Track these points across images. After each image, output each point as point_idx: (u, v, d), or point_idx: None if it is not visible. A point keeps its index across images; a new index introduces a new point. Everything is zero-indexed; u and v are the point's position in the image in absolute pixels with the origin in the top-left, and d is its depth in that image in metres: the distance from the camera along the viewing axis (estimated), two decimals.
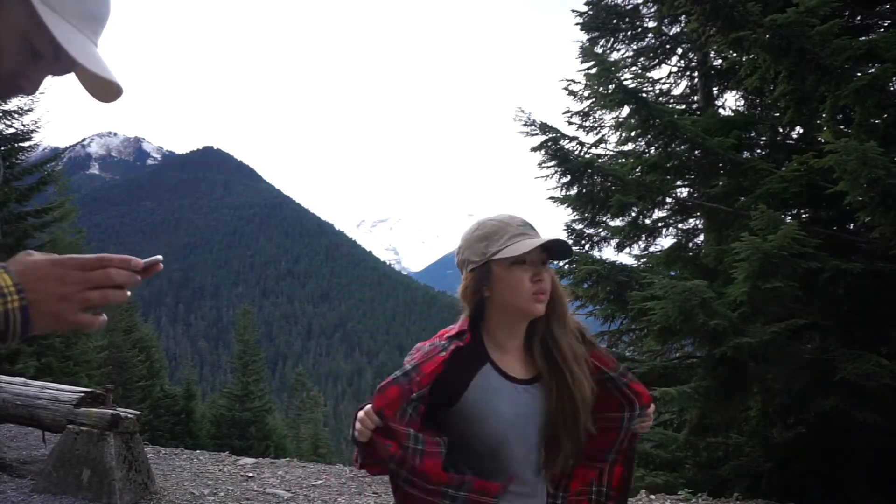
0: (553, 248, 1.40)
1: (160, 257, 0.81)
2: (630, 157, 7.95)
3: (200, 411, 26.24)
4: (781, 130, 6.61)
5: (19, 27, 0.78)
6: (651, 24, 8.41)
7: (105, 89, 0.87)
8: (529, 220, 1.45)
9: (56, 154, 16.98)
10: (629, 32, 8.42)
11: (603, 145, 8.64)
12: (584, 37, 8.39)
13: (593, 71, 6.82)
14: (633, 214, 7.44)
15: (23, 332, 0.74)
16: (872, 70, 4.51)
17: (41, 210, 14.03)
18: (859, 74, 4.55)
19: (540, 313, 1.39)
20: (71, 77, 0.85)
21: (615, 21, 8.36)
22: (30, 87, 0.85)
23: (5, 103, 13.15)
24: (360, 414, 1.33)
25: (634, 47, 8.56)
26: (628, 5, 8.52)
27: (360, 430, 1.31)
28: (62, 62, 0.83)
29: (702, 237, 7.85)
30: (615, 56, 8.50)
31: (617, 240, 7.95)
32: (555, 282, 1.43)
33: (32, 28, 0.78)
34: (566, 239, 1.47)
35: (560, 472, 1.44)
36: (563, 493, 1.48)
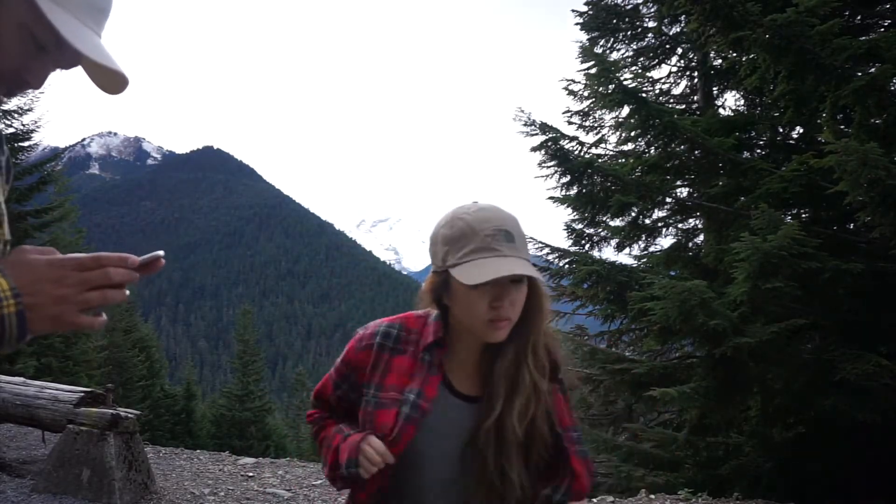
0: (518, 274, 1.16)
1: (161, 253, 0.78)
2: (630, 157, 7.95)
3: (200, 411, 26.25)
4: (781, 130, 6.61)
5: (21, 21, 0.77)
6: (651, 24, 8.41)
7: (111, 80, 0.85)
8: (516, 221, 1.22)
9: (56, 154, 17.01)
10: (629, 32, 8.42)
11: (603, 145, 8.64)
12: (584, 37, 8.39)
13: (593, 71, 6.82)
14: (633, 214, 7.43)
15: (19, 336, 0.71)
16: (872, 70, 4.51)
17: (41, 210, 14.04)
18: (859, 74, 4.54)
19: (497, 340, 1.21)
20: (74, 73, 0.85)
21: (615, 21, 8.35)
22: (35, 82, 0.83)
23: (6, 103, 13.16)
24: (367, 448, 1.20)
25: (634, 47, 8.55)
26: (628, 5, 8.52)
27: (367, 467, 1.20)
28: (67, 55, 0.81)
29: (702, 237, 7.85)
30: (615, 56, 8.50)
31: (617, 240, 7.95)
32: (532, 305, 1.23)
33: (35, 21, 0.77)
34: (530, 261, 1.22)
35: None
36: None
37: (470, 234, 1.18)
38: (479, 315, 1.19)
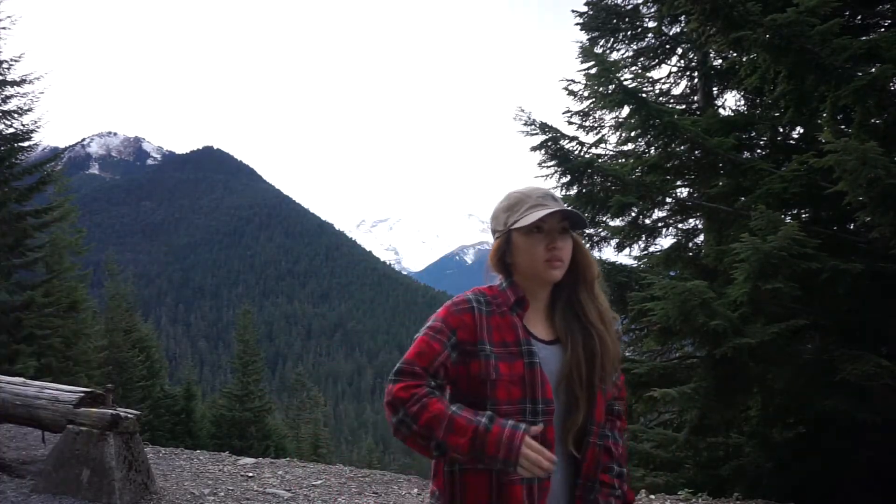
0: (570, 217, 1.50)
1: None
2: (630, 157, 7.95)
3: (200, 411, 26.22)
4: (781, 130, 6.61)
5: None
6: (651, 24, 8.40)
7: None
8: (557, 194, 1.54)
9: (56, 154, 17.00)
10: (629, 32, 8.42)
11: (603, 145, 8.63)
12: (584, 37, 8.39)
13: (593, 71, 6.82)
14: (633, 214, 7.43)
15: None
16: (872, 70, 4.51)
17: (41, 210, 14.02)
18: (859, 74, 4.54)
19: (555, 279, 1.50)
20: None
21: (615, 21, 8.35)
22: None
23: (5, 104, 13.16)
24: (529, 453, 1.33)
25: (634, 47, 8.55)
26: (628, 5, 8.51)
27: (532, 470, 1.33)
28: None
29: (702, 237, 7.84)
30: (615, 56, 8.50)
31: (617, 240, 7.94)
32: (580, 251, 1.54)
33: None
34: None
35: (574, 431, 1.47)
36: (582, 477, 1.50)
37: (524, 199, 1.52)
38: (539, 257, 1.48)
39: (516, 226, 1.49)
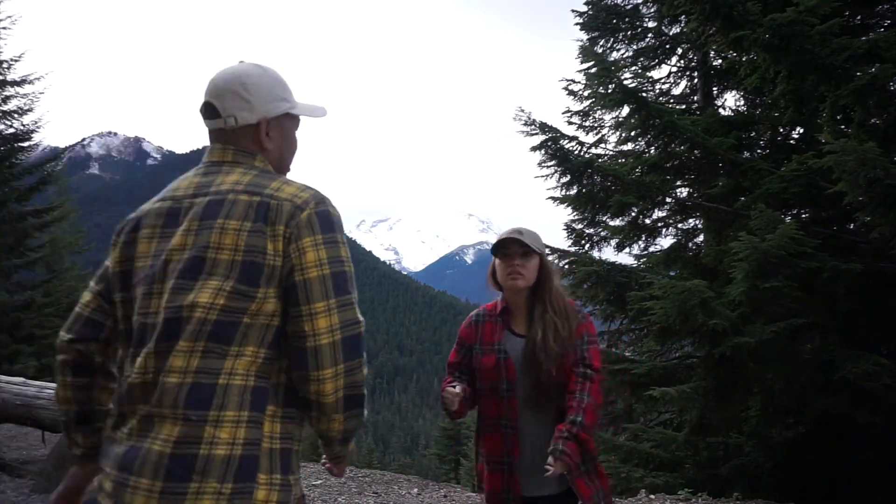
0: (519, 243, 2.21)
1: None
2: (630, 157, 7.95)
3: None
4: (781, 130, 6.61)
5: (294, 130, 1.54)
6: (651, 24, 8.40)
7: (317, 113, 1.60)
8: (531, 230, 2.26)
9: (56, 154, 16.98)
10: (629, 32, 8.42)
11: (603, 145, 8.64)
12: (584, 37, 8.39)
13: (593, 71, 6.82)
14: (633, 214, 7.44)
15: None
16: (872, 70, 4.51)
17: (41, 210, 14.01)
18: (859, 74, 4.54)
19: (515, 289, 2.23)
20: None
21: (615, 21, 8.35)
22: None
23: (5, 104, 13.16)
24: (444, 394, 2.14)
25: (634, 47, 8.55)
26: (628, 5, 8.52)
27: (447, 403, 2.14)
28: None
29: (702, 237, 7.85)
30: (615, 56, 8.50)
31: (617, 240, 7.95)
32: (541, 268, 2.25)
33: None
34: (523, 233, 2.24)
35: (536, 395, 2.16)
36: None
37: (500, 236, 2.29)
38: (504, 273, 2.23)
39: (494, 255, 2.28)
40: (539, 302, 2.22)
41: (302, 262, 1.26)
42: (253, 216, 1.27)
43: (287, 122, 1.49)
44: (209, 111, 1.43)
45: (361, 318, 1.34)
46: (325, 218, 1.32)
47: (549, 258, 2.43)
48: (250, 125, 1.41)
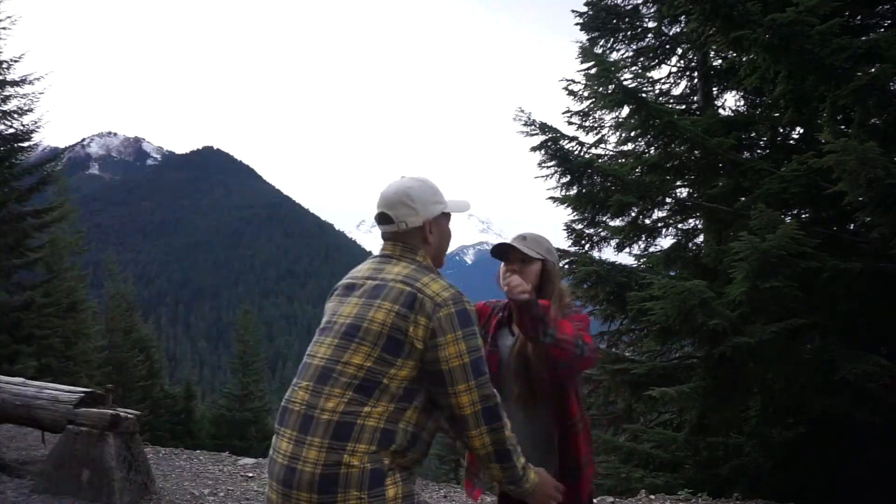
0: (514, 248, 2.23)
1: None
2: (630, 157, 7.95)
3: (200, 411, 26.22)
4: (781, 130, 6.61)
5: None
6: (651, 24, 8.40)
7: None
8: (535, 234, 2.32)
9: (56, 154, 16.99)
10: (629, 32, 8.41)
11: (603, 145, 8.63)
12: (584, 37, 8.39)
13: (593, 71, 6.82)
14: (633, 214, 7.43)
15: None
16: (872, 70, 4.51)
17: (41, 210, 14.01)
18: (859, 74, 4.54)
19: (510, 296, 2.07)
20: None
21: (615, 21, 8.35)
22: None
23: (5, 104, 13.16)
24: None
25: (634, 47, 8.55)
26: (628, 5, 8.51)
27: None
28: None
29: (702, 237, 7.84)
30: (615, 56, 8.50)
31: (617, 240, 7.94)
32: (543, 273, 2.25)
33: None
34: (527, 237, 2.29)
35: (523, 397, 2.18)
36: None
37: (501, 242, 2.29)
38: (502, 279, 2.13)
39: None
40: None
41: (446, 354, 1.67)
42: (402, 302, 1.69)
43: (443, 220, 1.93)
44: (383, 219, 1.86)
45: (495, 393, 1.73)
46: (462, 315, 1.70)
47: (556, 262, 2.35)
48: (417, 227, 1.84)
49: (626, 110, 6.87)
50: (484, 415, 1.67)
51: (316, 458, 1.60)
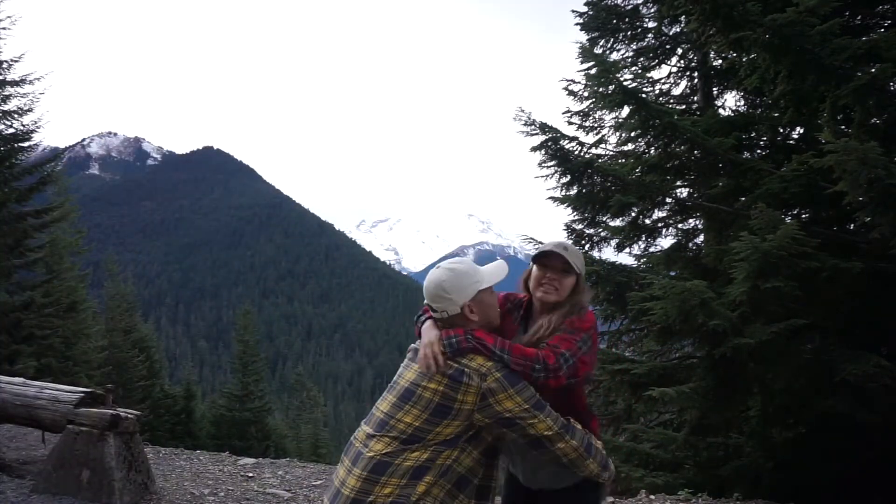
0: (560, 257, 2.26)
1: None
2: (630, 157, 7.94)
3: (200, 411, 26.22)
4: (781, 130, 6.60)
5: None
6: (651, 25, 8.40)
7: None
8: (575, 248, 2.33)
9: (56, 154, 16.98)
10: (629, 32, 8.41)
11: (603, 145, 8.62)
12: (584, 37, 8.38)
13: (593, 71, 6.81)
14: (633, 214, 7.42)
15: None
16: (872, 70, 4.51)
17: (41, 210, 14.01)
18: (859, 74, 4.54)
19: (543, 300, 2.28)
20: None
21: (615, 21, 8.34)
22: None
23: (5, 104, 13.16)
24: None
25: (634, 47, 8.54)
26: (628, 5, 8.51)
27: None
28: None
29: (702, 237, 7.84)
30: (615, 56, 8.49)
31: (617, 240, 7.94)
32: (575, 286, 2.29)
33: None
34: (564, 241, 2.34)
35: None
36: None
37: (543, 246, 2.33)
38: (537, 284, 2.28)
39: (532, 260, 2.34)
40: (556, 309, 2.24)
41: (504, 407, 2.04)
42: (451, 375, 2.05)
43: (482, 296, 2.18)
44: (431, 307, 2.20)
45: (558, 415, 2.12)
46: (509, 377, 2.06)
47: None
48: (457, 313, 2.15)
49: (626, 110, 6.86)
50: (562, 429, 2.08)
51: (353, 485, 2.03)
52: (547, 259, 2.26)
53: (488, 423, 2.06)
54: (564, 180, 7.10)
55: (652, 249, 8.08)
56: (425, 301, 2.20)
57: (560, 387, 2.13)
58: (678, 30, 8.20)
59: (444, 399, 2.04)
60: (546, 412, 2.06)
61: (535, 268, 2.31)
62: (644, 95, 6.96)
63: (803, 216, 5.80)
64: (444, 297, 2.13)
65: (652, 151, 7.14)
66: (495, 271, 2.24)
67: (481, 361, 2.06)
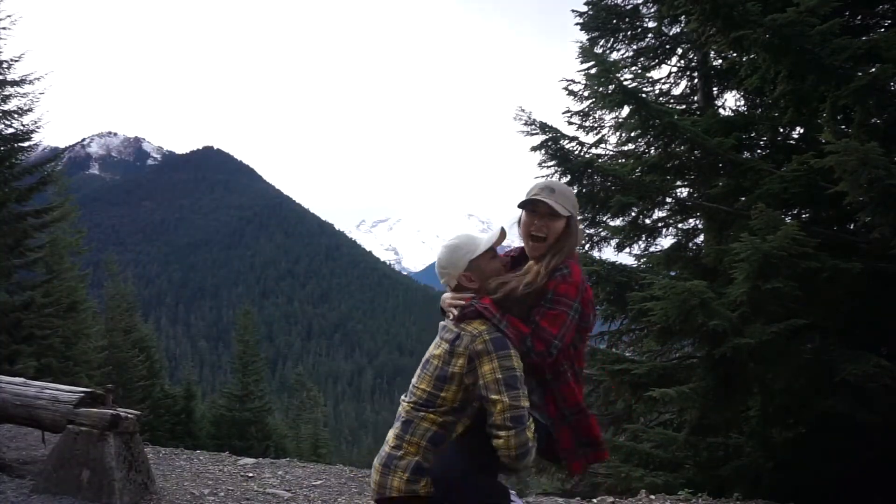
0: (544, 203, 2.31)
1: None
2: (630, 157, 7.94)
3: (200, 411, 26.22)
4: (781, 130, 6.60)
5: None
6: (651, 24, 8.39)
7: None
8: (564, 186, 2.40)
9: (56, 154, 16.99)
10: (629, 32, 8.40)
11: (603, 145, 8.62)
12: (584, 37, 8.38)
13: (593, 71, 6.81)
14: (633, 214, 7.42)
15: None
16: (872, 70, 4.50)
17: (41, 210, 14.01)
18: (859, 74, 4.54)
19: (531, 253, 2.37)
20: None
21: (615, 21, 8.34)
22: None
23: (5, 104, 13.16)
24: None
25: (634, 47, 8.54)
26: (628, 5, 8.51)
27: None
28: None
29: (702, 237, 7.84)
30: (615, 56, 8.48)
31: (617, 240, 7.93)
32: (565, 229, 2.31)
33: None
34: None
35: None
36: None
37: (530, 189, 2.33)
38: (526, 231, 2.35)
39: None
40: (546, 255, 2.29)
41: (482, 371, 2.17)
42: (450, 340, 2.27)
43: (476, 264, 2.33)
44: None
45: (524, 405, 2.15)
46: (497, 341, 2.18)
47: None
48: (458, 284, 2.36)
49: (626, 110, 6.86)
50: (512, 419, 2.12)
51: (390, 441, 2.34)
52: (532, 206, 2.30)
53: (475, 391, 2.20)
54: (564, 180, 7.10)
55: (652, 249, 8.08)
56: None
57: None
58: (678, 30, 8.19)
59: (443, 364, 2.25)
60: (512, 395, 2.12)
61: (523, 215, 2.35)
62: (644, 95, 6.95)
63: (803, 216, 5.80)
64: (443, 272, 2.37)
65: (652, 151, 7.14)
66: (489, 239, 2.35)
67: (477, 325, 2.21)
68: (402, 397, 2.42)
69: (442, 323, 2.39)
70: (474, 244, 2.33)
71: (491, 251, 2.34)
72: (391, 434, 2.35)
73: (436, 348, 2.31)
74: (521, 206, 2.34)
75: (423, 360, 2.39)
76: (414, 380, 2.40)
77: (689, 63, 8.48)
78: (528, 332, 2.18)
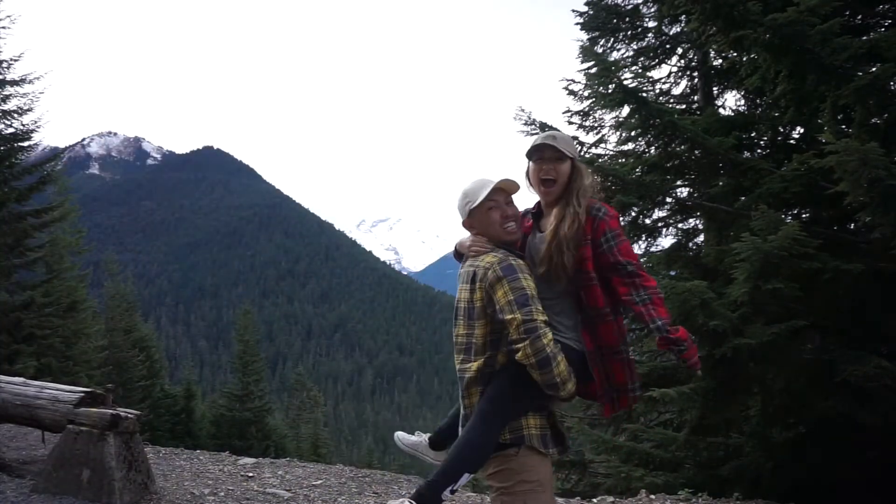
0: (550, 146, 2.43)
1: None
2: (630, 156, 7.94)
3: (200, 411, 26.22)
4: (782, 130, 6.59)
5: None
6: (651, 24, 8.39)
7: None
8: (567, 137, 2.52)
9: (56, 154, 16.98)
10: (629, 32, 8.40)
11: (603, 145, 8.61)
12: (584, 36, 8.37)
13: (593, 71, 6.80)
14: (634, 214, 7.42)
15: None
16: (873, 70, 4.50)
17: (41, 210, 14.01)
18: (860, 74, 4.53)
19: (543, 199, 2.51)
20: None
21: (615, 21, 8.34)
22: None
23: (5, 104, 13.16)
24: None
25: (634, 47, 8.53)
26: (628, 5, 8.50)
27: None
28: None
29: (702, 237, 7.83)
30: (615, 56, 8.48)
31: None
32: (572, 171, 2.45)
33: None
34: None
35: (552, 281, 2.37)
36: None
37: (533, 140, 2.45)
38: (536, 177, 2.45)
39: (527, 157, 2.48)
40: (564, 198, 2.38)
41: (497, 297, 2.26)
42: (467, 279, 2.39)
43: (476, 213, 2.43)
44: None
45: (536, 318, 2.22)
46: (506, 268, 2.28)
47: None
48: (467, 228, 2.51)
49: (626, 110, 6.86)
50: (526, 331, 2.19)
51: (460, 399, 2.44)
52: (539, 152, 2.41)
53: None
54: None
55: (652, 249, 8.08)
56: None
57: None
58: (678, 29, 8.19)
59: (468, 303, 2.37)
60: (525, 311, 2.21)
61: (531, 165, 2.44)
62: (644, 95, 6.95)
63: (804, 216, 5.80)
64: (459, 212, 2.49)
65: (652, 151, 7.13)
66: (479, 189, 2.42)
67: (489, 259, 2.32)
68: (455, 358, 2.49)
69: (461, 270, 2.49)
70: (476, 195, 2.42)
71: (490, 202, 2.40)
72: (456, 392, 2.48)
73: (460, 293, 2.43)
74: (528, 154, 2.44)
75: (454, 311, 2.48)
76: (453, 332, 2.47)
77: (689, 63, 8.48)
78: (637, 263, 2.32)
